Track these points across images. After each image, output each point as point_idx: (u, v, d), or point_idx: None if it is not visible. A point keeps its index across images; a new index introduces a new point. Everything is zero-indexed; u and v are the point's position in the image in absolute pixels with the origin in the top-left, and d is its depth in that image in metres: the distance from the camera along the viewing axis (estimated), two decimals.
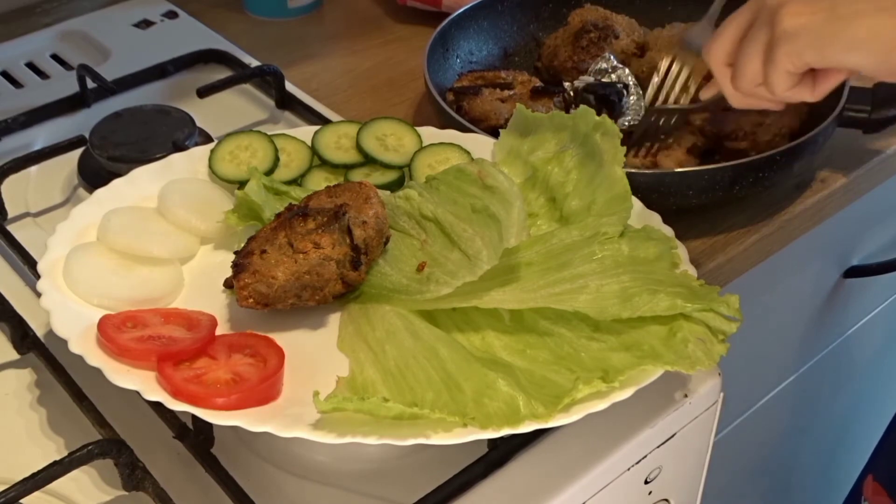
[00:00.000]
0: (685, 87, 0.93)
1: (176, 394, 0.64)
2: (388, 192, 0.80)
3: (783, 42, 0.63)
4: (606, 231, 0.74)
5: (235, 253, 0.74)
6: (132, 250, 0.76)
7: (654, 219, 0.78)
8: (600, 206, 0.76)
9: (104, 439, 0.66)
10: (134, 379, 0.65)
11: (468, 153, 0.85)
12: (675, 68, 0.95)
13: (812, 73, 0.67)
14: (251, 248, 0.73)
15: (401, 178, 0.85)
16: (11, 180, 0.89)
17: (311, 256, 0.71)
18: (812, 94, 0.67)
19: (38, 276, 0.73)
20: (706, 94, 0.79)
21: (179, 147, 0.90)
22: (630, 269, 0.71)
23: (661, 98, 0.96)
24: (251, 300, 0.71)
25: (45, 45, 1.15)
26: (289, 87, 1.03)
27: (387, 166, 0.86)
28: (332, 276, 0.71)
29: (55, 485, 0.64)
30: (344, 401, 0.61)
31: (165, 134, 0.93)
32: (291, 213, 0.74)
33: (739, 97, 0.69)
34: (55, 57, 1.13)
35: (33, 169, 0.93)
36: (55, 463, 0.62)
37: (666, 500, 0.79)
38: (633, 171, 0.79)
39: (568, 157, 0.80)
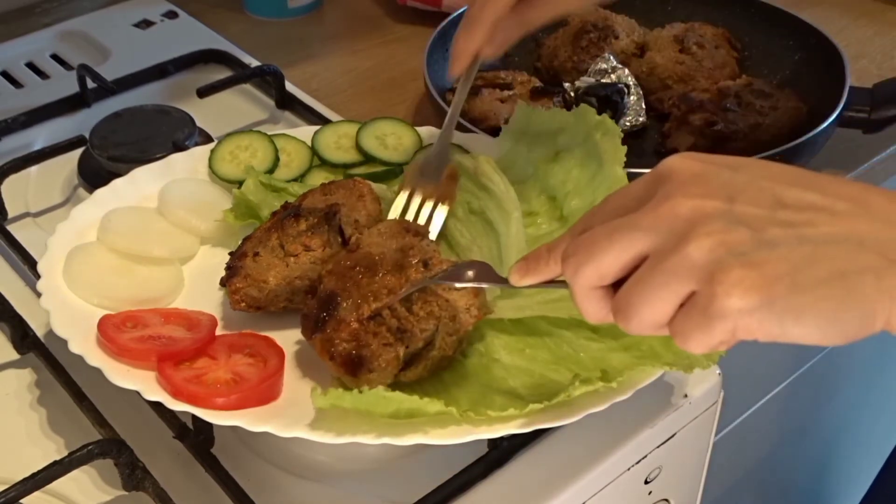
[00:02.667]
0: (430, 217, 0.79)
1: (176, 394, 0.64)
2: (383, 187, 0.80)
3: (728, 318, 0.47)
4: None
5: (230, 254, 0.74)
6: (132, 250, 0.76)
7: None
8: None
9: (104, 439, 0.66)
10: (134, 379, 0.65)
11: (468, 153, 0.85)
12: (415, 199, 0.80)
13: None
14: (245, 249, 0.73)
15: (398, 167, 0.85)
16: (11, 180, 0.89)
17: (301, 260, 0.71)
18: (727, 347, 0.51)
19: (38, 276, 0.73)
20: (522, 282, 0.57)
21: (179, 147, 0.90)
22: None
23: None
24: (243, 304, 0.71)
25: (45, 45, 1.15)
26: (289, 87, 1.03)
27: (387, 164, 0.86)
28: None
29: (55, 485, 0.64)
30: (341, 396, 0.61)
31: (165, 134, 0.93)
32: (285, 213, 0.74)
33: (604, 321, 0.53)
34: (55, 57, 1.13)
35: (33, 169, 0.93)
36: (55, 463, 0.62)
37: (666, 500, 0.79)
38: (633, 171, 0.79)
39: (569, 156, 0.80)
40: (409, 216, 0.78)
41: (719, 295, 0.47)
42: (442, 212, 0.78)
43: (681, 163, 0.51)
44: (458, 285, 0.65)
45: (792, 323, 0.47)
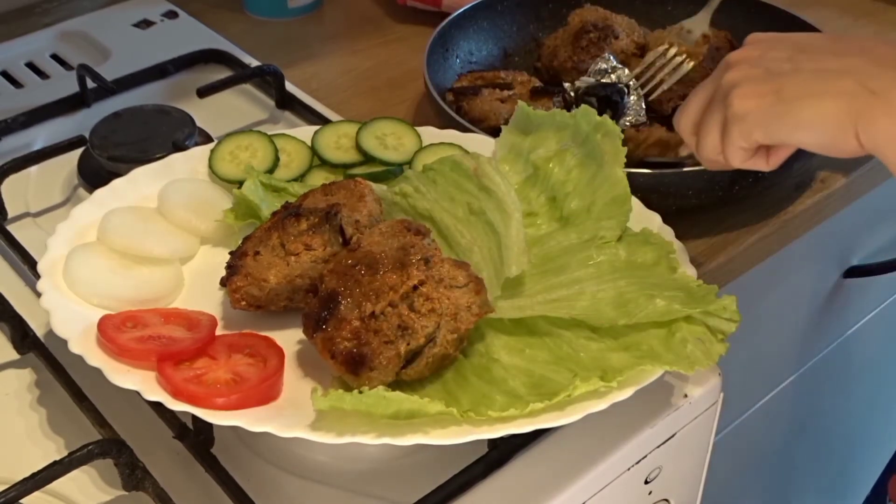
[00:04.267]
0: (678, 67, 0.96)
1: (176, 394, 0.64)
2: (383, 187, 0.80)
3: (734, 122, 0.66)
4: (604, 235, 0.74)
5: (231, 254, 0.74)
6: (132, 250, 0.76)
7: (655, 219, 0.78)
8: (600, 207, 0.76)
9: (104, 439, 0.66)
10: (134, 379, 0.65)
11: (468, 153, 0.85)
12: (671, 51, 0.98)
13: (765, 147, 0.70)
14: (245, 248, 0.73)
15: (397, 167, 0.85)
16: (11, 180, 0.89)
17: (302, 259, 0.71)
18: (766, 165, 0.70)
19: (38, 276, 0.73)
20: (684, 152, 0.81)
21: (179, 147, 0.90)
22: (627, 274, 0.71)
23: (648, 75, 0.98)
24: (243, 302, 0.71)
25: (45, 45, 1.15)
26: (289, 87, 1.03)
27: (387, 164, 0.86)
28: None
29: (55, 485, 0.64)
30: (341, 397, 0.61)
31: (165, 134, 0.93)
32: (285, 212, 0.74)
33: (709, 163, 0.72)
34: (55, 57, 1.13)
35: (33, 169, 0.93)
36: (55, 463, 0.62)
37: (666, 500, 0.79)
38: (633, 171, 0.79)
39: (569, 156, 0.80)
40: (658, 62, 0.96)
41: (729, 104, 0.67)
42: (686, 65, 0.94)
43: (754, 34, 0.72)
44: None
45: (777, 126, 0.65)
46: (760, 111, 0.65)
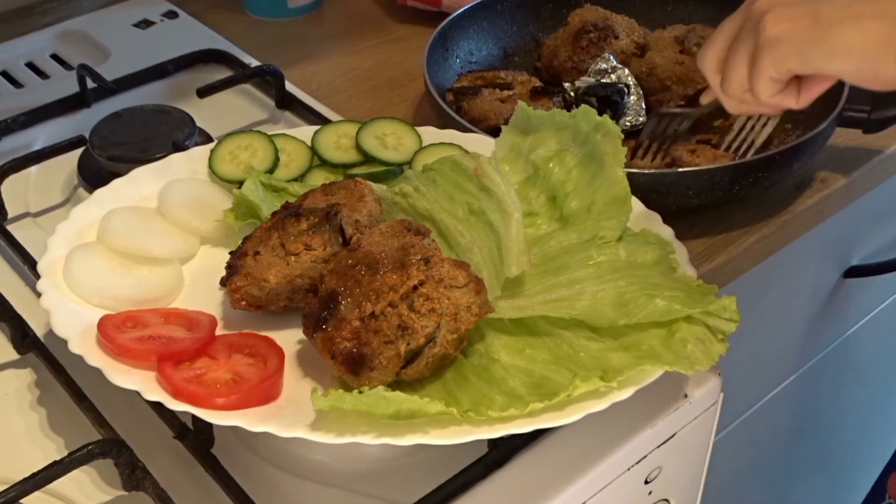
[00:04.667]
0: (765, 124, 0.93)
1: (176, 394, 0.64)
2: (384, 187, 0.80)
3: (766, 49, 0.64)
4: (604, 235, 0.74)
5: (231, 253, 0.74)
6: (132, 250, 0.76)
7: (655, 219, 0.78)
8: (600, 207, 0.76)
9: (104, 439, 0.66)
10: (134, 379, 0.65)
11: (468, 153, 0.85)
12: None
13: (797, 81, 0.67)
14: (245, 248, 0.73)
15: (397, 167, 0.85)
16: (11, 180, 0.89)
17: (302, 259, 0.71)
18: (797, 102, 0.68)
19: (38, 276, 0.73)
20: (705, 100, 0.79)
21: (179, 147, 0.90)
22: (627, 274, 0.71)
23: (740, 138, 0.94)
24: (243, 302, 0.71)
25: (45, 45, 1.15)
26: (289, 87, 1.03)
27: (387, 164, 0.86)
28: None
29: (55, 485, 0.64)
30: (341, 397, 0.61)
31: (165, 134, 0.93)
32: (285, 212, 0.74)
33: (733, 103, 0.70)
34: (55, 57, 1.13)
35: (33, 169, 0.93)
36: (55, 463, 0.62)
37: (666, 500, 0.79)
38: (633, 171, 0.79)
39: (569, 156, 0.80)
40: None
41: (761, 30, 0.64)
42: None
43: None
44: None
45: (811, 52, 0.62)
46: (795, 35, 0.62)
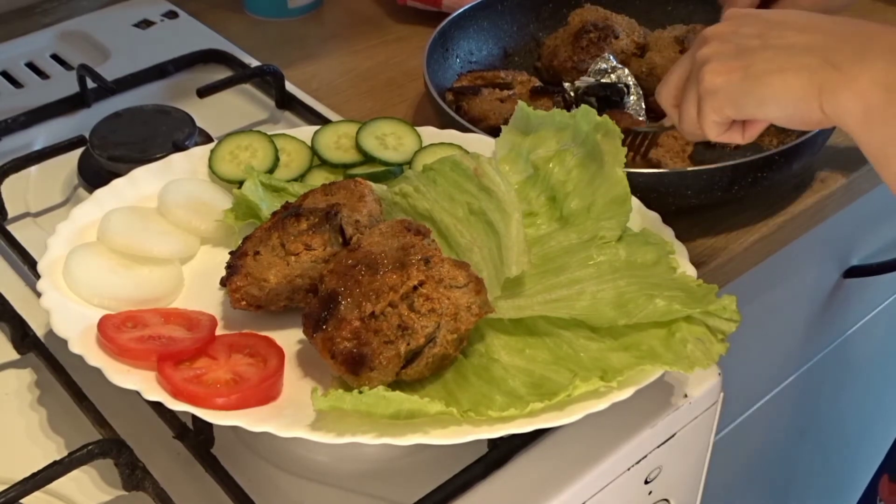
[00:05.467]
0: None
1: (176, 394, 0.64)
2: (384, 187, 0.80)
3: (706, 98, 0.70)
4: (604, 235, 0.74)
5: (231, 253, 0.74)
6: (132, 250, 0.76)
7: (655, 219, 0.78)
8: (599, 207, 0.76)
9: (104, 439, 0.66)
10: (134, 379, 0.65)
11: (468, 153, 0.85)
12: None
13: (741, 121, 0.73)
14: (245, 248, 0.73)
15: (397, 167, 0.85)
16: (11, 180, 0.89)
17: (302, 259, 0.71)
18: (742, 138, 0.73)
19: (38, 276, 0.73)
20: (667, 123, 0.84)
21: (179, 147, 0.90)
22: (627, 274, 0.71)
23: None
24: (244, 302, 0.71)
25: (45, 45, 1.15)
26: (289, 87, 1.03)
27: (387, 164, 0.86)
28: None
29: (55, 485, 0.64)
30: (341, 397, 0.61)
31: (165, 134, 0.93)
32: (285, 212, 0.74)
33: (690, 134, 0.75)
34: (55, 57, 1.13)
35: (33, 169, 0.93)
36: (55, 463, 0.62)
37: (666, 500, 0.79)
38: (633, 171, 0.79)
39: (569, 156, 0.80)
40: None
41: (700, 80, 0.70)
42: None
43: (739, 10, 0.73)
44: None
45: (745, 101, 0.68)
46: (729, 87, 0.68)
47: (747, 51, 0.68)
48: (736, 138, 0.73)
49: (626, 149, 0.77)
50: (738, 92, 0.68)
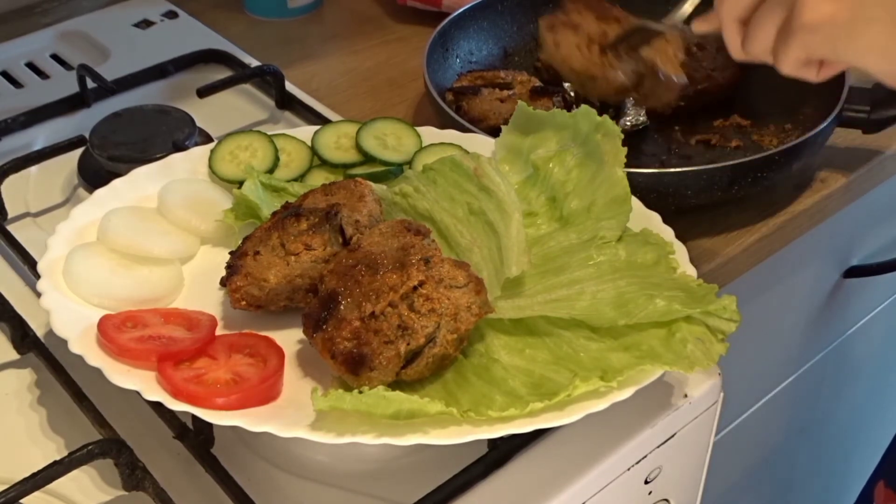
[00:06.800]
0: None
1: (176, 394, 0.64)
2: (383, 187, 0.80)
3: (800, 32, 0.61)
4: (604, 235, 0.74)
5: (231, 253, 0.74)
6: (132, 250, 0.76)
7: (654, 219, 0.78)
8: (600, 207, 0.76)
9: (104, 439, 0.66)
10: (134, 379, 0.65)
11: (468, 153, 0.85)
12: None
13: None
14: (245, 248, 0.73)
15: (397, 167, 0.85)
16: (11, 180, 0.89)
17: (302, 258, 0.71)
18: (815, 77, 0.66)
19: (38, 276, 0.73)
20: (700, 29, 0.74)
21: (179, 147, 0.90)
22: (627, 275, 0.71)
23: None
24: (243, 302, 0.71)
25: (45, 45, 1.15)
26: (289, 87, 1.03)
27: (387, 164, 0.86)
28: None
29: (55, 485, 0.64)
30: (341, 397, 0.61)
31: (165, 134, 0.93)
32: (285, 212, 0.74)
33: (742, 54, 0.68)
34: (55, 57, 1.13)
35: (33, 169, 0.93)
36: (55, 463, 0.62)
37: (666, 500, 0.79)
38: (633, 171, 0.79)
39: (569, 156, 0.80)
40: None
41: (797, 11, 0.61)
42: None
43: None
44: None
45: (847, 43, 0.60)
46: (833, 27, 0.60)
47: None
48: (809, 75, 0.66)
49: (626, 149, 0.77)
50: (841, 34, 0.60)
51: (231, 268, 0.72)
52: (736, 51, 0.68)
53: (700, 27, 0.74)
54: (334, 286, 0.67)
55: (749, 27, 0.65)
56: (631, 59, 0.85)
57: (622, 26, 0.85)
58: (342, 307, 0.65)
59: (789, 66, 0.65)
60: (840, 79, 0.94)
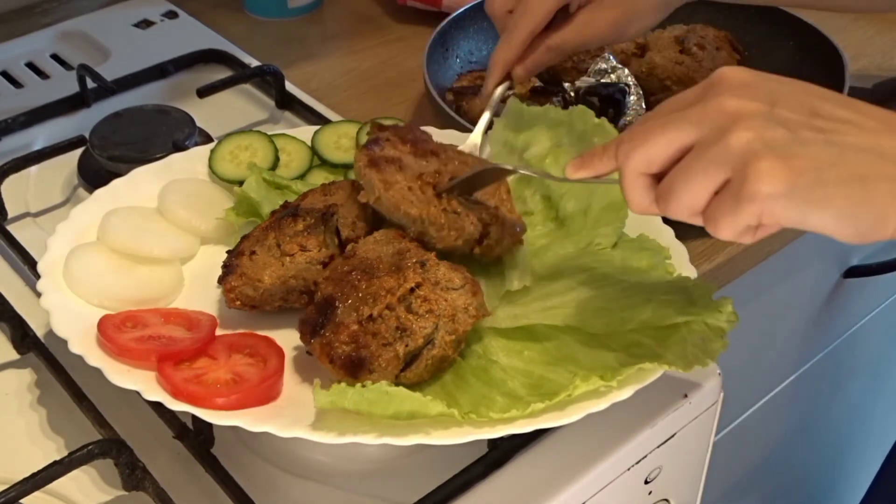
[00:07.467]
0: None
1: (176, 394, 0.64)
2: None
3: (755, 201, 0.53)
4: (600, 242, 0.74)
5: (228, 252, 0.74)
6: (132, 250, 0.76)
7: (654, 219, 0.78)
8: (596, 213, 0.76)
9: (104, 439, 0.66)
10: (134, 379, 0.65)
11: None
12: None
13: None
14: (242, 248, 0.73)
15: None
16: (11, 180, 0.89)
17: (297, 259, 0.71)
18: (752, 239, 0.57)
19: (38, 276, 0.73)
20: (576, 176, 0.62)
21: (179, 147, 0.90)
22: (622, 281, 0.71)
23: None
24: (238, 302, 0.71)
25: (45, 45, 1.15)
26: (289, 87, 1.03)
27: None
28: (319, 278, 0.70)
29: (55, 485, 0.64)
30: (343, 392, 0.61)
31: (165, 134, 0.93)
32: (283, 212, 0.74)
33: (647, 212, 0.59)
34: (55, 57, 1.13)
35: (33, 169, 0.93)
36: (55, 463, 0.62)
37: (666, 500, 0.79)
38: None
39: (563, 154, 0.79)
40: None
41: (750, 179, 0.52)
42: None
43: (732, 72, 0.57)
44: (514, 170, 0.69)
45: (811, 212, 0.52)
46: (795, 194, 0.52)
47: (805, 144, 0.53)
48: (746, 239, 0.57)
49: None
50: (805, 200, 0.52)
51: (227, 267, 0.72)
52: (640, 208, 0.58)
53: (576, 174, 0.61)
54: (331, 291, 0.67)
55: (670, 185, 0.55)
56: (472, 204, 0.72)
57: (440, 161, 0.74)
58: (339, 312, 0.65)
59: (731, 233, 0.55)
60: (840, 79, 0.94)
